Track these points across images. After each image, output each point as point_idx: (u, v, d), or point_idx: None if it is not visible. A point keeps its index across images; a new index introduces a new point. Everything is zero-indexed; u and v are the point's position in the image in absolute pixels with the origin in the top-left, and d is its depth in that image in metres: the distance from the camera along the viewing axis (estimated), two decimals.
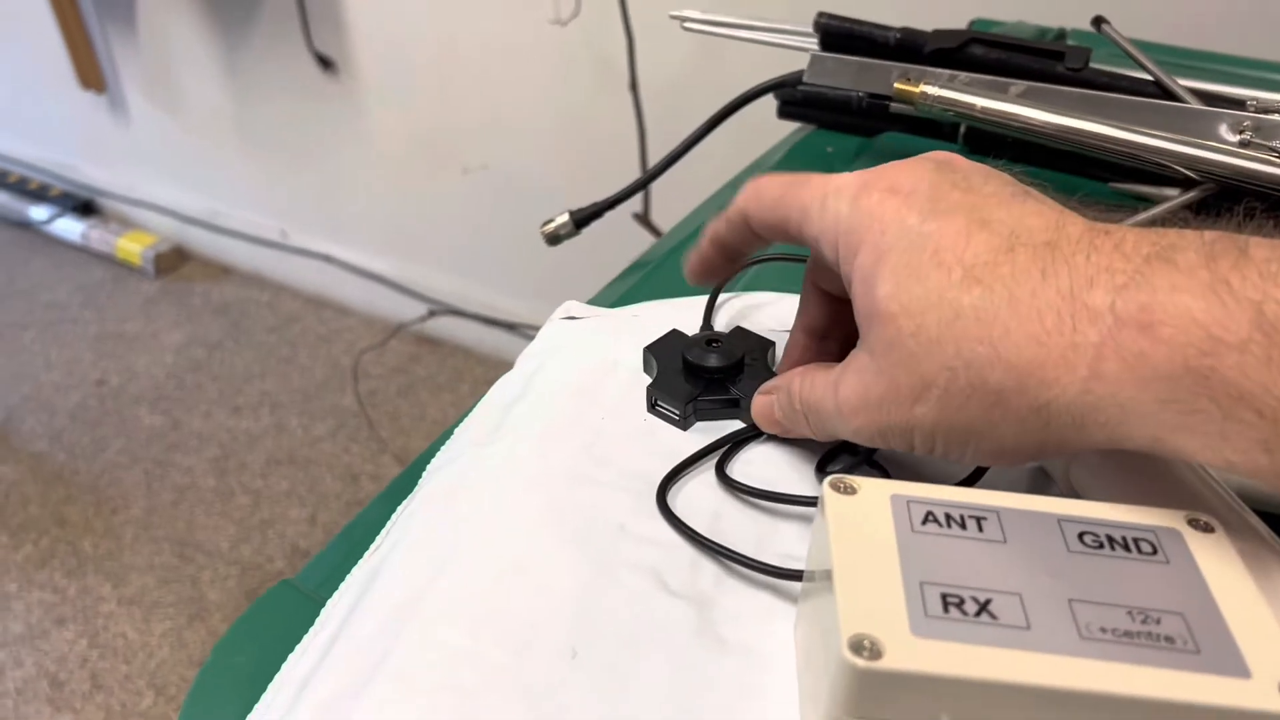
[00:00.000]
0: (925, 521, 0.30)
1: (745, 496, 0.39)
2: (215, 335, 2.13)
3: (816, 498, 0.33)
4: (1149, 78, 0.64)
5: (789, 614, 0.34)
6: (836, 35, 0.72)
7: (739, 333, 0.46)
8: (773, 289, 0.52)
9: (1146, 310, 0.27)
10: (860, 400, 0.33)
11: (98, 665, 1.47)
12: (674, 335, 0.46)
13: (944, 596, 0.27)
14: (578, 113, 1.62)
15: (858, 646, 0.26)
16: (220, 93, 2.06)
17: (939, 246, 0.31)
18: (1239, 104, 0.56)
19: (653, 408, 0.43)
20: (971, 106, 0.54)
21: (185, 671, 1.47)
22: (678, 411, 0.42)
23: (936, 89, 0.55)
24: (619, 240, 1.43)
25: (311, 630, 0.37)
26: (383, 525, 0.41)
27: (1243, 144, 0.52)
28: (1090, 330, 0.28)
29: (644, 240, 1.53)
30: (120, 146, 2.32)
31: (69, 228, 2.37)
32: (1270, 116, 0.52)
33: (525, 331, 1.92)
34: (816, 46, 0.76)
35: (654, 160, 1.48)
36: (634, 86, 1.37)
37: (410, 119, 1.86)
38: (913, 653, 0.26)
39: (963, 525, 0.30)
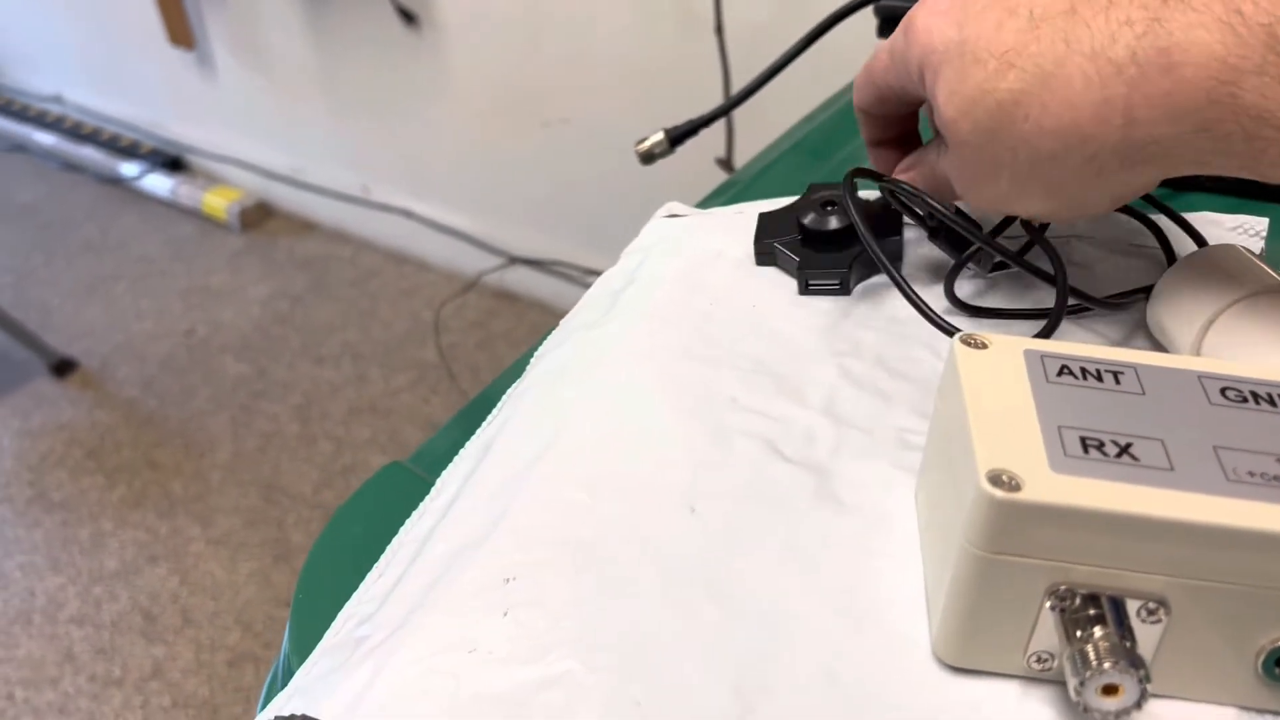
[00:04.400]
0: (1060, 374, 0.29)
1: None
2: (298, 288, 2.17)
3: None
4: None
5: (907, 483, 0.34)
6: None
7: (824, 189, 0.46)
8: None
9: (1166, 53, 0.29)
10: (960, 180, 0.38)
11: (188, 601, 1.51)
12: (772, 216, 0.46)
13: (1083, 439, 0.27)
14: (660, 62, 1.61)
15: (996, 480, 0.25)
16: (304, 49, 2.08)
17: (975, 46, 0.34)
18: None
19: (806, 288, 0.43)
20: None
21: (271, 610, 1.51)
22: (838, 281, 0.43)
23: None
24: (703, 188, 1.42)
25: (428, 497, 0.37)
26: (486, 414, 0.42)
27: None
28: (1117, 83, 0.30)
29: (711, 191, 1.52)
30: (207, 103, 2.36)
31: (158, 183, 2.43)
32: None
33: (588, 283, 1.92)
34: None
35: (742, 106, 1.47)
36: (719, 30, 1.36)
37: (491, 72, 1.86)
38: (1053, 486, 0.25)
39: (1099, 378, 0.29)
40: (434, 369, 1.94)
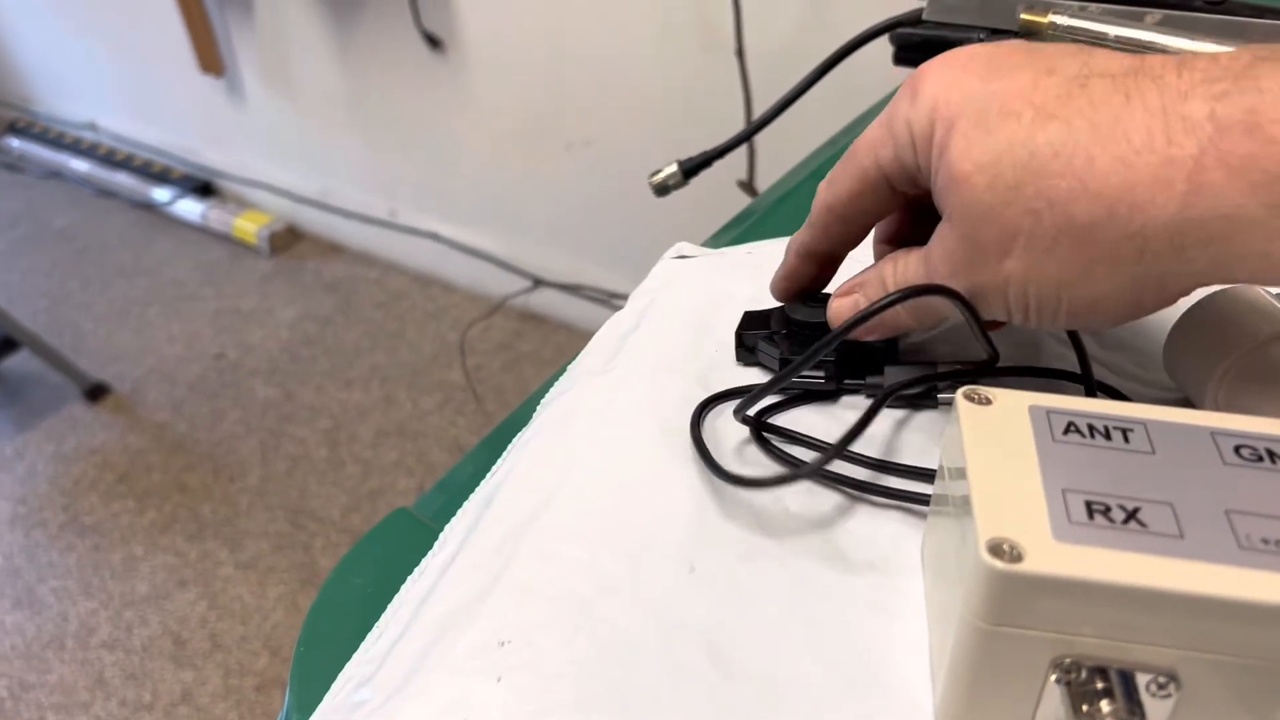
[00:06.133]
0: (1067, 431, 0.28)
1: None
2: (326, 311, 2.18)
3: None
4: None
5: (909, 534, 0.33)
6: None
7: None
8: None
9: (1253, 112, 0.26)
10: (949, 267, 0.32)
11: (217, 626, 1.52)
12: (755, 315, 0.43)
13: (1088, 504, 0.26)
14: (682, 85, 1.61)
15: (997, 549, 0.24)
16: (332, 75, 2.10)
17: (1005, 98, 0.29)
18: None
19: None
20: (1104, 36, 0.52)
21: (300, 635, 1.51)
22: (822, 376, 0.40)
23: (1066, 18, 0.52)
24: (725, 212, 1.42)
25: (431, 552, 0.37)
26: (494, 459, 0.41)
27: None
28: (1187, 142, 0.26)
29: (735, 214, 1.52)
30: (237, 129, 2.39)
31: (189, 208, 2.46)
32: None
33: (614, 305, 1.91)
34: None
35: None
36: (740, 53, 1.35)
37: (515, 96, 1.87)
38: (1056, 557, 0.24)
39: (1107, 436, 0.28)
40: (460, 391, 1.95)
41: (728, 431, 0.38)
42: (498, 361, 2.02)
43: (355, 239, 2.32)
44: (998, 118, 0.29)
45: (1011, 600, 0.24)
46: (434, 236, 2.15)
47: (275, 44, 2.16)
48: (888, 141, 0.33)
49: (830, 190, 0.37)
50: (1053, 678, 0.25)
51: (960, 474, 0.28)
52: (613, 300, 1.92)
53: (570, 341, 2.01)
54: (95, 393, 1.96)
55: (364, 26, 1.99)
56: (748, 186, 1.30)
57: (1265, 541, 0.25)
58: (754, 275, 0.46)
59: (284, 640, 1.50)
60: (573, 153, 1.84)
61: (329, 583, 0.39)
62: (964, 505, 0.27)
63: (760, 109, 1.46)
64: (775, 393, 0.39)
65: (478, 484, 0.40)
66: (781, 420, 0.38)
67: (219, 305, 2.22)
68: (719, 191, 1.32)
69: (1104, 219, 0.28)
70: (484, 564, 0.34)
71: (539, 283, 2.00)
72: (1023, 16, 0.54)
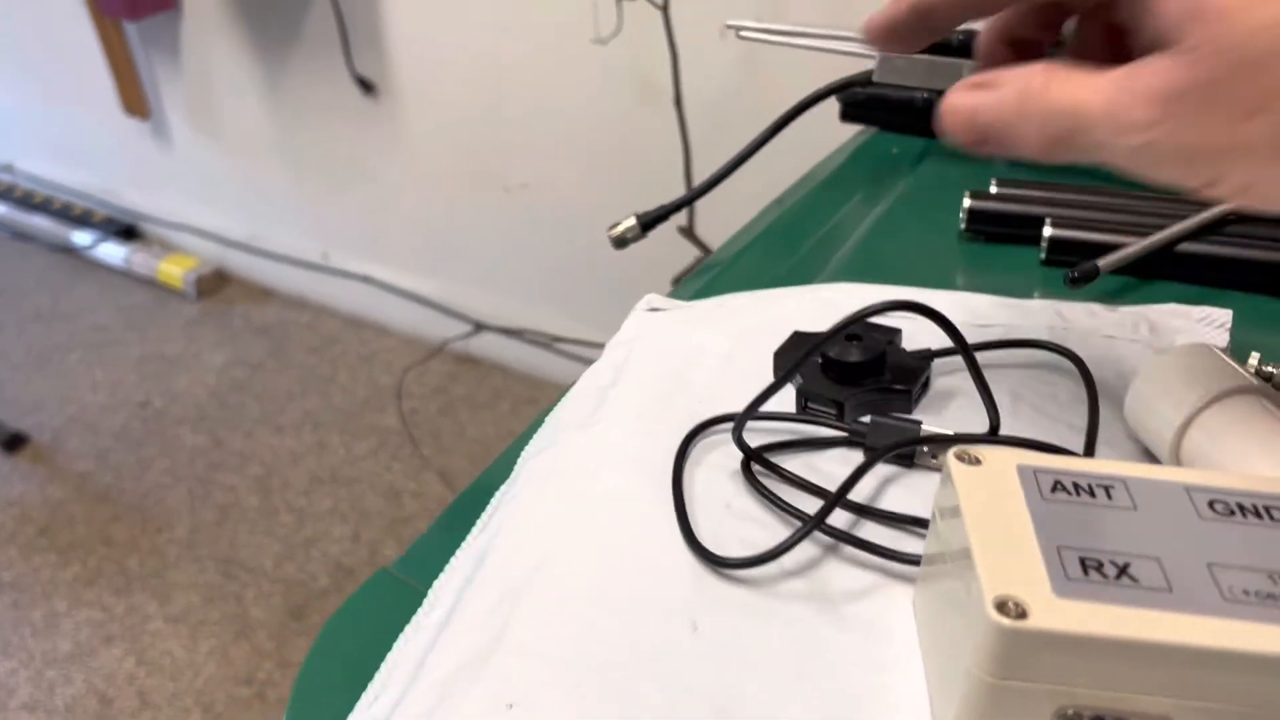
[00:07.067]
0: (1054, 490, 0.30)
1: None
2: (257, 356, 2.15)
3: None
4: None
5: (897, 591, 0.34)
6: None
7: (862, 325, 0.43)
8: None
9: None
10: (1165, 109, 0.26)
11: (145, 683, 1.47)
12: (801, 336, 0.45)
13: (1082, 560, 0.27)
14: (619, 130, 1.63)
15: (1002, 607, 0.26)
16: (262, 117, 2.08)
17: None
18: None
19: (804, 409, 0.42)
20: None
21: (232, 689, 1.47)
22: (835, 410, 0.41)
23: None
24: (665, 256, 1.43)
25: (421, 611, 0.37)
26: (473, 516, 0.42)
27: None
28: None
29: (687, 256, 1.54)
30: (163, 171, 2.35)
31: (112, 252, 2.40)
32: None
33: (564, 350, 1.92)
34: (875, 52, 0.77)
35: (700, 175, 1.49)
36: (678, 102, 1.38)
37: (451, 140, 1.88)
38: (1059, 613, 0.26)
39: (1091, 493, 0.30)
40: (395, 435, 1.93)
41: (715, 479, 0.39)
42: (434, 405, 2.00)
43: (286, 282, 2.29)
44: None
45: (1017, 655, 0.26)
46: (367, 280, 2.13)
47: (202, 85, 2.14)
48: None
49: None
50: None
51: (957, 533, 0.29)
52: (555, 344, 1.93)
53: (507, 385, 2.01)
54: (13, 443, 1.89)
55: (294, 69, 1.98)
56: (688, 233, 1.32)
57: (1246, 593, 0.26)
58: (727, 327, 0.47)
59: (216, 695, 1.46)
60: (510, 196, 1.85)
61: (316, 648, 0.39)
62: (964, 563, 0.28)
63: (698, 156, 1.49)
64: (783, 442, 0.40)
65: (452, 544, 0.40)
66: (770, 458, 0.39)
67: (143, 351, 2.17)
68: (659, 235, 1.34)
69: None
70: (482, 624, 0.34)
71: (481, 327, 1.99)
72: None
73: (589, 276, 1.82)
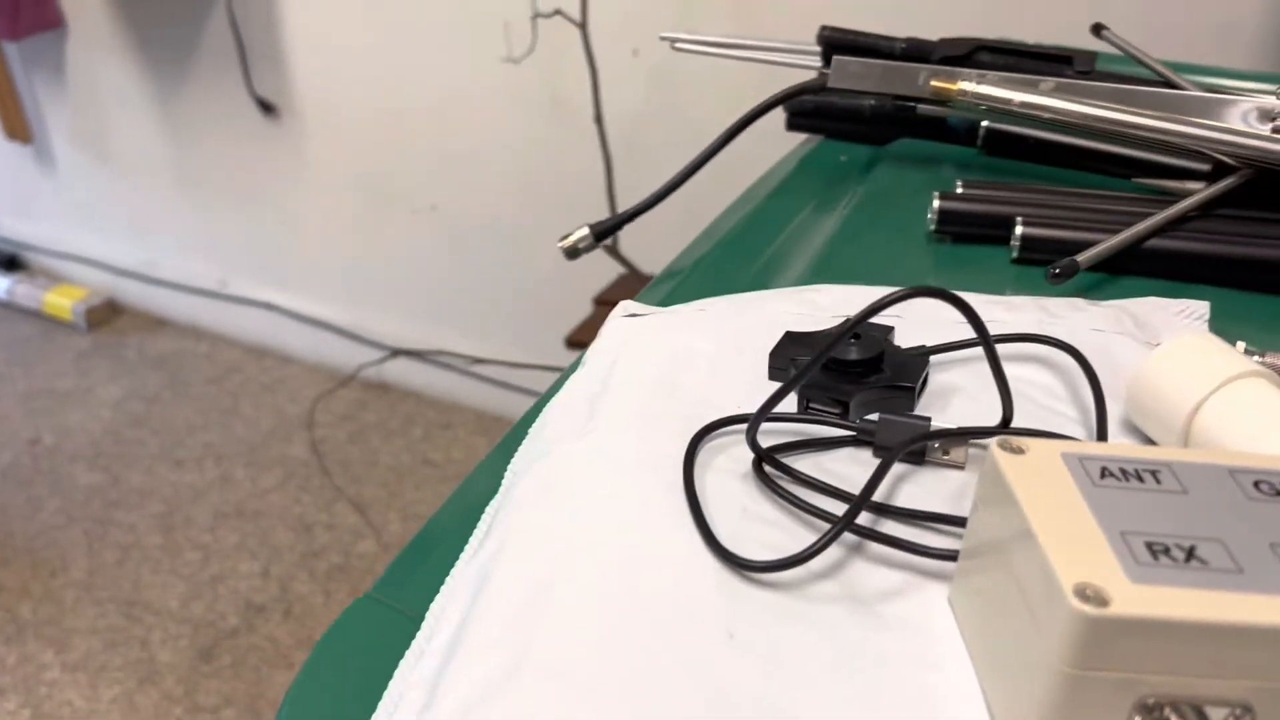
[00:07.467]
0: (1103, 476, 0.29)
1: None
2: (153, 388, 2.05)
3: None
4: (1155, 78, 0.66)
5: (928, 587, 0.33)
6: (840, 47, 0.73)
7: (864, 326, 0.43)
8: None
9: None
10: None
11: None
12: (796, 336, 0.44)
13: (1149, 545, 0.27)
14: (531, 149, 1.62)
15: (1082, 594, 0.25)
16: (155, 140, 2.00)
17: None
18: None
19: (806, 408, 0.41)
20: (1010, 101, 0.55)
21: None
22: (838, 409, 0.40)
23: (976, 85, 0.55)
24: (580, 272, 1.42)
25: (422, 635, 0.35)
26: (452, 536, 0.39)
27: (1276, 130, 0.53)
28: None
29: (600, 274, 1.52)
30: (47, 198, 2.24)
31: None
32: None
33: (481, 373, 1.89)
34: (815, 61, 0.77)
35: (621, 191, 1.48)
36: (599, 119, 1.37)
37: (356, 161, 1.83)
38: (1139, 598, 0.25)
39: (1140, 479, 0.29)
40: (303, 466, 1.86)
41: (726, 483, 0.37)
42: (343, 433, 1.94)
43: (182, 312, 2.20)
44: None
45: (1099, 644, 0.25)
46: (269, 307, 2.06)
47: (90, 108, 2.05)
48: None
49: None
50: (1137, 718, 0.25)
51: (1009, 523, 0.28)
52: (473, 368, 1.89)
53: (419, 410, 1.96)
54: None
55: (190, 90, 1.91)
56: (612, 250, 1.31)
57: None
58: (713, 330, 0.46)
59: None
60: (419, 218, 1.82)
61: (298, 685, 0.36)
62: (1020, 554, 0.27)
63: (618, 172, 1.48)
64: (790, 442, 0.39)
65: (434, 566, 0.38)
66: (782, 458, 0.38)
67: (30, 386, 2.06)
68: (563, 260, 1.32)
69: None
70: (500, 644, 0.32)
71: (397, 352, 1.94)
72: (934, 84, 0.57)
73: (506, 297, 1.80)
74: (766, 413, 0.37)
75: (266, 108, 1.86)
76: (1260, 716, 0.25)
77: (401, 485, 1.82)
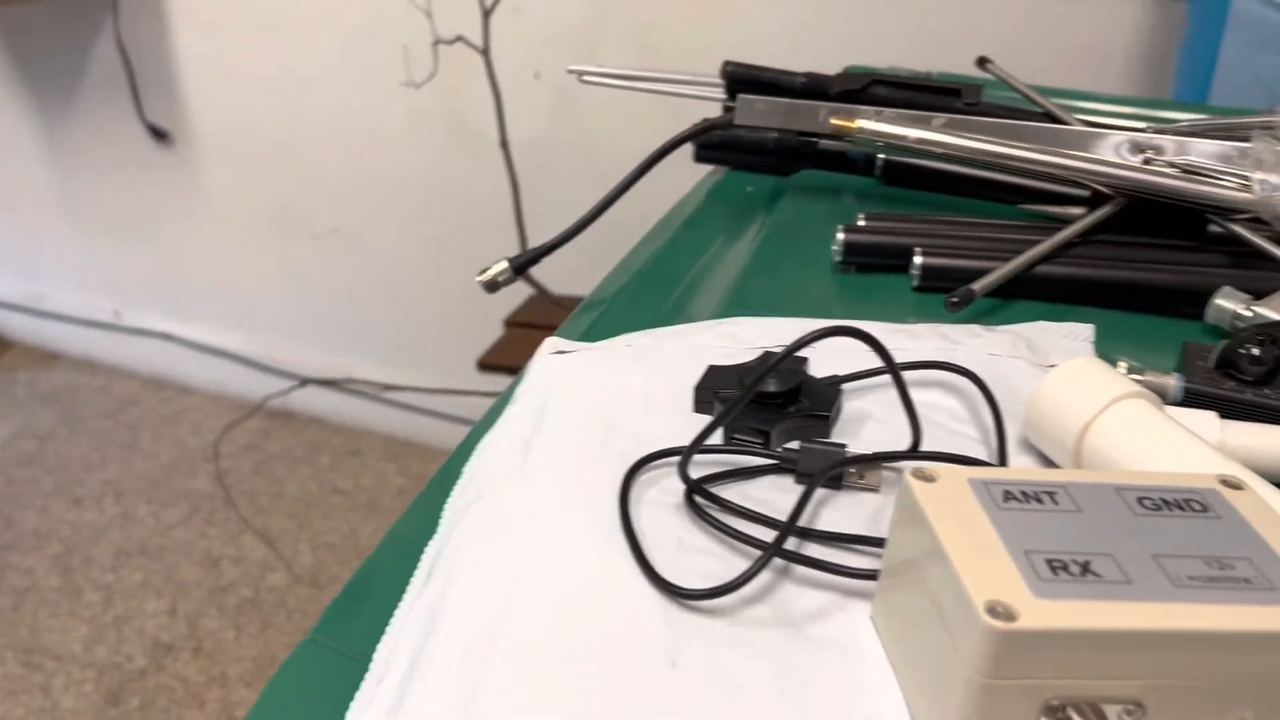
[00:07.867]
0: (1007, 499, 0.32)
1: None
2: (46, 425, 1.99)
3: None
4: (1037, 110, 0.70)
5: (854, 604, 0.36)
6: (742, 82, 0.76)
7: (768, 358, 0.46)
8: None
9: None
10: None
11: None
12: (718, 370, 0.46)
13: (1049, 562, 0.29)
14: (435, 173, 1.62)
15: (992, 611, 0.27)
16: (40, 169, 1.95)
17: None
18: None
19: (729, 440, 0.43)
20: (904, 138, 0.58)
21: None
22: (761, 440, 0.43)
23: (872, 123, 0.59)
24: (485, 300, 1.43)
25: (372, 676, 0.36)
26: (391, 577, 0.40)
27: (1146, 162, 0.57)
28: None
29: (508, 295, 1.53)
30: None
31: None
32: (1164, 139, 0.59)
33: (391, 399, 1.88)
34: (719, 94, 0.80)
35: (529, 213, 1.50)
36: (504, 144, 1.38)
37: (254, 187, 1.81)
38: (1043, 612, 0.28)
39: (1039, 500, 0.32)
40: (208, 499, 1.83)
41: (660, 516, 0.39)
42: (246, 464, 1.91)
43: (74, 345, 2.14)
44: None
45: (1009, 655, 0.27)
46: (166, 337, 2.02)
47: None
48: None
49: None
50: (1043, 719, 0.28)
51: (924, 545, 0.31)
52: (382, 394, 1.88)
53: (324, 437, 1.94)
54: None
55: (77, 118, 1.87)
56: (525, 276, 1.32)
57: (1191, 578, 0.29)
58: (641, 365, 0.48)
59: None
60: (320, 243, 1.80)
61: None
62: (935, 573, 0.30)
63: (526, 196, 1.49)
64: (719, 473, 0.41)
65: (375, 607, 0.39)
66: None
67: None
68: (467, 287, 1.34)
69: None
70: (452, 681, 0.33)
71: (305, 381, 1.91)
72: (833, 121, 0.60)
73: (415, 321, 1.79)
74: (697, 447, 0.39)
75: (159, 135, 1.83)
76: (1150, 711, 0.29)
77: (310, 515, 1.79)
